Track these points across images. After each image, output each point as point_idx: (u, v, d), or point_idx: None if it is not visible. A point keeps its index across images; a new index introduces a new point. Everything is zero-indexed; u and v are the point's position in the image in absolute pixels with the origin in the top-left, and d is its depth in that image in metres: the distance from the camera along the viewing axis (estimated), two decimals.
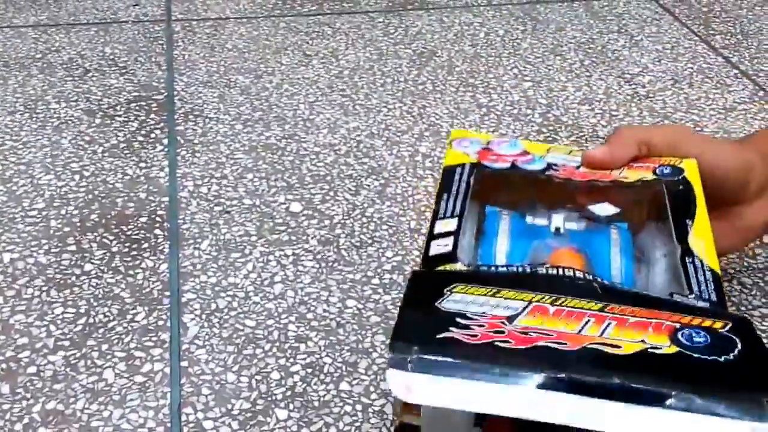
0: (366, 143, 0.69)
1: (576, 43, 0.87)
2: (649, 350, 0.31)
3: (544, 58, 0.84)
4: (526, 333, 0.32)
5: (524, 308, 0.34)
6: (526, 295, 0.35)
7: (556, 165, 0.47)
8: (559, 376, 0.30)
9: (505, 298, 0.35)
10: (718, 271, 0.38)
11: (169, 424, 0.46)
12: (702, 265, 0.39)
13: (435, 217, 0.42)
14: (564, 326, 0.33)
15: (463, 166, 0.47)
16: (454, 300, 0.34)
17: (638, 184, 0.45)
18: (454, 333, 0.32)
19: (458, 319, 0.33)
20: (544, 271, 0.37)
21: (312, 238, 0.59)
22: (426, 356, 0.31)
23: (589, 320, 0.33)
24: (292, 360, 0.49)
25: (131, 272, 0.56)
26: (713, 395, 0.29)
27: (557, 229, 0.43)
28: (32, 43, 0.83)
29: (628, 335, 0.32)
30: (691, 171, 0.46)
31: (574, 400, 0.30)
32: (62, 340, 0.51)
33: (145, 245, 0.59)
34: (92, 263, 0.57)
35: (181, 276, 0.56)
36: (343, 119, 0.73)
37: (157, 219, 0.61)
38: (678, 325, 0.33)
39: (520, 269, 0.38)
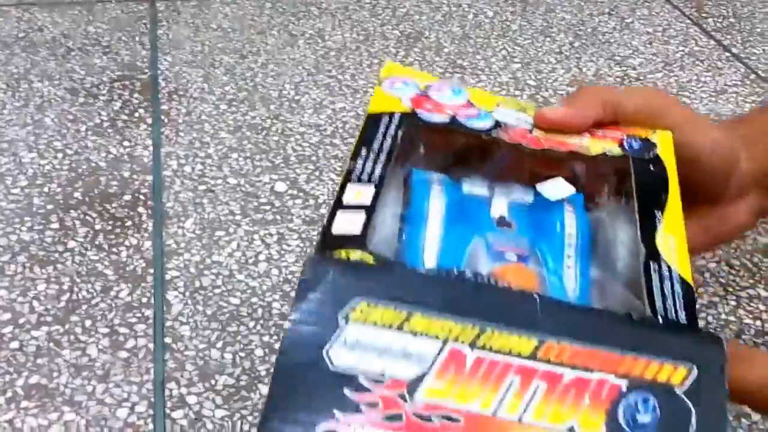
0: (352, 124, 0.69)
1: (566, 25, 0.87)
2: None
3: (533, 40, 0.84)
4: (427, 419, 0.26)
5: (436, 357, 0.27)
6: (444, 326, 0.28)
7: (505, 124, 0.39)
8: None
9: (416, 333, 0.28)
10: (690, 281, 0.31)
11: (152, 399, 0.45)
12: (670, 273, 0.31)
13: (346, 179, 0.34)
14: (478, 399, 0.26)
15: (391, 115, 0.38)
16: (350, 341, 0.27)
17: (601, 158, 0.38)
18: (339, 422, 0.25)
19: (347, 391, 0.26)
20: (480, 282, 0.30)
21: (297, 217, 0.59)
22: None
23: (513, 382, 0.27)
24: (276, 337, 0.49)
25: (115, 250, 0.56)
26: None
27: (501, 219, 0.36)
28: (15, 22, 0.82)
29: (556, 416, 0.26)
30: (665, 147, 0.38)
31: None
32: (45, 316, 0.50)
33: (129, 223, 0.58)
34: (75, 240, 0.56)
35: (165, 254, 0.55)
36: (329, 99, 0.73)
37: (141, 197, 0.60)
38: (624, 386, 0.27)
39: (452, 277, 0.30)
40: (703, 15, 0.89)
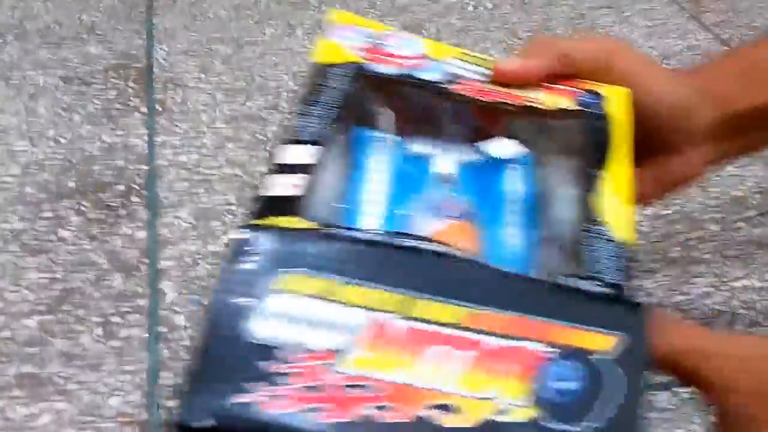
0: None
1: (566, 18, 0.86)
2: (495, 420, 0.25)
3: (533, 32, 0.83)
4: (350, 389, 0.25)
5: (361, 327, 0.26)
6: (371, 295, 0.27)
7: (459, 77, 0.37)
8: None
9: (343, 303, 0.27)
10: (630, 241, 0.31)
11: (146, 388, 0.44)
12: (608, 234, 0.31)
13: (287, 137, 0.32)
14: (403, 371, 0.26)
15: (339, 66, 0.36)
16: (274, 311, 0.26)
17: (552, 112, 0.36)
18: (258, 392, 0.25)
19: (269, 363, 0.25)
20: (420, 248, 0.29)
21: None
22: (219, 425, 0.24)
23: (439, 351, 0.26)
24: None
25: (108, 239, 0.55)
26: None
27: (446, 176, 0.35)
28: (8, 10, 0.81)
29: (478, 384, 0.26)
30: (617, 102, 0.37)
31: None
32: (37, 305, 0.50)
33: (123, 212, 0.57)
34: (68, 230, 0.55)
35: (160, 243, 0.55)
36: None
37: (135, 187, 0.60)
38: (548, 355, 0.26)
39: (384, 244, 0.29)
40: (702, 9, 0.89)
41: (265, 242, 0.28)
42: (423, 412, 0.25)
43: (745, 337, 0.32)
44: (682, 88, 0.39)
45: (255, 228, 0.28)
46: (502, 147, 0.36)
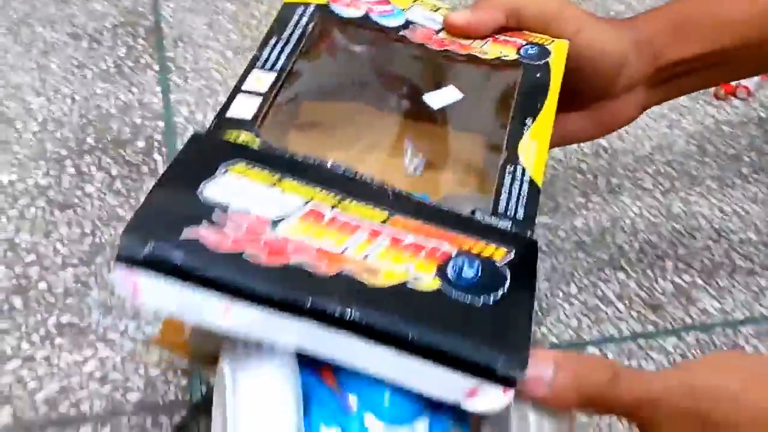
0: None
1: None
2: (407, 284, 0.29)
3: None
4: (284, 245, 0.29)
5: (298, 209, 0.30)
6: (309, 191, 0.31)
7: (415, 23, 0.41)
8: (296, 300, 0.27)
9: (285, 191, 0.31)
10: (539, 183, 0.35)
11: None
12: (523, 174, 0.35)
13: (251, 65, 0.36)
14: (331, 240, 0.29)
15: (306, 6, 0.39)
16: (224, 183, 0.30)
17: (495, 63, 0.40)
18: (202, 232, 0.28)
19: (215, 214, 0.29)
20: (350, 173, 0.33)
21: None
22: (160, 255, 0.27)
23: (362, 235, 0.30)
24: None
25: (133, 194, 0.57)
26: (444, 343, 0.28)
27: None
28: None
29: (396, 259, 0.30)
30: (557, 56, 0.40)
31: (300, 325, 0.27)
32: (70, 258, 0.51)
33: (145, 169, 0.59)
34: (93, 185, 0.57)
35: None
36: None
37: (155, 143, 0.61)
38: (454, 252, 0.31)
39: (318, 161, 0.33)
40: None
41: (217, 145, 0.32)
42: (346, 269, 0.28)
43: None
44: (620, 42, 0.43)
45: (207, 138, 0.33)
46: (441, 96, 0.39)
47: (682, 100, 0.67)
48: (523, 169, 0.35)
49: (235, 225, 0.29)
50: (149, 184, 0.57)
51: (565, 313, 0.51)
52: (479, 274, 0.30)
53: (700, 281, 0.54)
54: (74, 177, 0.58)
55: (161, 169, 0.59)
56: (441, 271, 0.30)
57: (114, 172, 0.58)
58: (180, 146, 0.61)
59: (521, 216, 0.33)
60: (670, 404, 0.30)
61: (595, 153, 0.62)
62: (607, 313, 0.51)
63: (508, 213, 0.33)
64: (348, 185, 0.32)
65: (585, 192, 0.59)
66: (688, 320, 0.52)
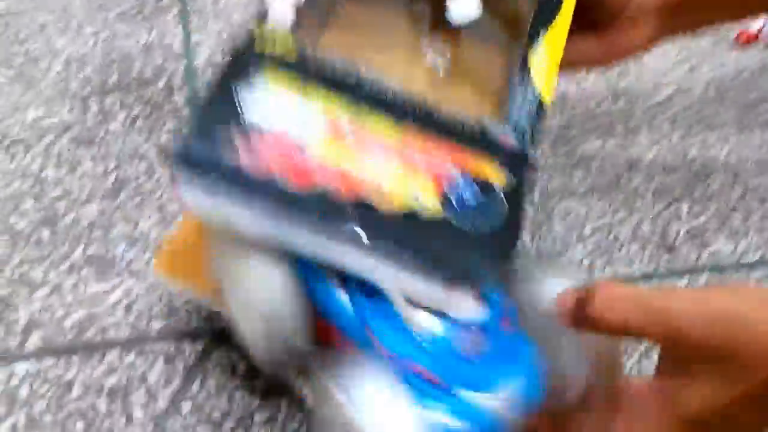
0: None
1: None
2: (415, 212, 0.33)
3: None
4: (310, 170, 0.33)
5: (323, 130, 0.34)
6: (334, 104, 0.35)
7: None
8: (320, 225, 0.32)
9: (311, 106, 0.34)
10: (547, 98, 0.37)
11: None
12: (532, 89, 0.37)
13: None
14: (350, 163, 0.33)
15: None
16: (259, 99, 0.34)
17: None
18: (241, 156, 0.32)
19: (252, 137, 0.33)
20: (376, 83, 0.36)
21: None
22: (206, 180, 0.32)
23: (377, 158, 0.34)
24: None
25: (155, 133, 0.58)
26: (441, 266, 0.32)
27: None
28: None
29: (406, 185, 0.33)
30: None
31: (323, 243, 0.32)
32: (95, 193, 0.53)
33: (167, 108, 0.60)
34: (116, 123, 0.58)
35: None
36: None
37: (176, 84, 0.62)
38: (459, 176, 0.34)
39: (346, 69, 0.36)
40: None
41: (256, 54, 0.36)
42: (363, 194, 0.33)
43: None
44: None
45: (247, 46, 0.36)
46: (465, 6, 0.41)
47: (703, 45, 0.67)
48: (533, 84, 0.37)
49: (269, 148, 0.33)
50: (171, 123, 0.58)
51: (578, 254, 0.52)
52: (478, 201, 0.34)
53: (714, 224, 0.54)
54: (98, 115, 0.59)
55: (182, 109, 0.59)
56: (444, 200, 0.34)
57: (136, 111, 0.59)
58: (200, 87, 0.62)
59: (527, 129, 0.36)
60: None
61: (613, 96, 0.62)
62: (619, 254, 0.52)
63: (515, 126, 0.36)
64: (370, 95, 0.35)
65: (602, 135, 0.60)
66: (701, 262, 0.52)
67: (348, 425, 0.32)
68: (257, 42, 0.37)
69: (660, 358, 0.34)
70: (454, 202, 0.34)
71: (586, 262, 0.52)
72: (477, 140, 0.36)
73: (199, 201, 0.32)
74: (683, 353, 0.32)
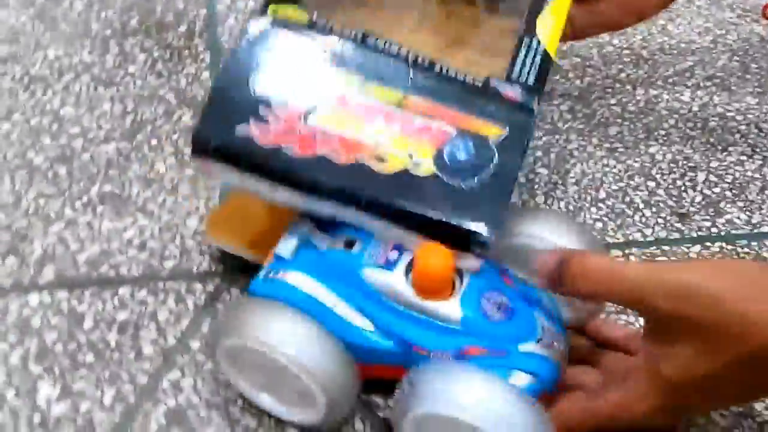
0: None
1: None
2: (408, 171, 0.35)
3: None
4: (313, 137, 0.36)
5: (328, 96, 0.37)
6: (341, 69, 0.37)
7: None
8: (320, 186, 0.36)
9: (321, 71, 0.37)
10: (553, 53, 0.39)
11: None
12: (538, 44, 0.39)
13: None
14: (351, 128, 0.36)
15: None
16: (269, 77, 0.37)
17: None
18: (252, 128, 0.36)
19: (261, 109, 0.36)
20: (382, 47, 0.38)
21: None
22: (221, 150, 0.36)
23: (378, 121, 0.36)
24: None
25: (174, 77, 0.58)
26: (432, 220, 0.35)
27: None
28: None
29: (402, 146, 0.36)
30: None
31: (327, 203, 0.36)
32: (113, 133, 0.53)
33: (186, 53, 0.60)
34: (135, 65, 0.58)
35: None
36: None
37: (196, 29, 0.62)
38: (454, 133, 0.36)
39: (354, 35, 0.38)
40: None
41: (269, 27, 0.38)
42: (360, 158, 0.35)
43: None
44: None
45: (261, 17, 0.38)
46: None
47: (728, 15, 0.66)
48: (539, 41, 0.39)
49: (276, 118, 0.36)
50: (190, 68, 0.58)
51: (591, 217, 0.52)
52: (471, 156, 0.36)
53: (729, 194, 0.54)
54: (117, 56, 0.59)
55: (202, 55, 0.59)
56: (438, 157, 0.36)
57: (156, 54, 0.59)
58: (221, 33, 0.62)
59: (532, 82, 0.38)
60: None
61: (635, 63, 0.61)
62: (633, 219, 0.52)
63: (521, 79, 0.38)
64: (369, 60, 0.37)
65: (621, 101, 0.59)
66: (714, 230, 0.52)
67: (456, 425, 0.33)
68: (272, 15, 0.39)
69: (645, 321, 0.35)
70: (446, 159, 0.36)
71: (598, 225, 0.52)
72: (480, 95, 0.37)
73: (218, 173, 0.37)
74: (661, 322, 0.33)
